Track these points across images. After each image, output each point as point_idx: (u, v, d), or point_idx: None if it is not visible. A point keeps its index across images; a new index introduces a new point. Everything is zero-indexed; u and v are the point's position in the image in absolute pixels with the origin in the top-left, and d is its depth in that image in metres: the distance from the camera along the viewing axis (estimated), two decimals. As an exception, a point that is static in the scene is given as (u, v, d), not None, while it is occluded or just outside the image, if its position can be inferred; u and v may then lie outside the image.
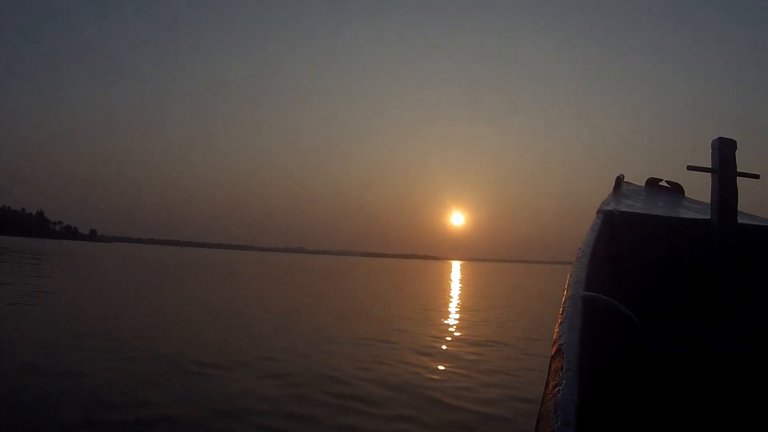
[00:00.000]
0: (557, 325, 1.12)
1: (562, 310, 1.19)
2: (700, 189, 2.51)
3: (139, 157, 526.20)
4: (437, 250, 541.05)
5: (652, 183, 2.97)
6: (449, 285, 23.78)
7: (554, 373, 0.91)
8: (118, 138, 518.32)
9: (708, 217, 2.17)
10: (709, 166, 2.15)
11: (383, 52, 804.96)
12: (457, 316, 10.55)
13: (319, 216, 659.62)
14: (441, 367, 5.39)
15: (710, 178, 2.16)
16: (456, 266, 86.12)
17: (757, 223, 2.25)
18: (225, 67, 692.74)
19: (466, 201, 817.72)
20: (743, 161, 2.15)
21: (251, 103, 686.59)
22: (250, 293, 13.93)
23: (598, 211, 2.22)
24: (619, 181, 2.77)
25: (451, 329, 8.37)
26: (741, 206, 2.14)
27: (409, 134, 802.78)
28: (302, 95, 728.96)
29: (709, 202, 2.18)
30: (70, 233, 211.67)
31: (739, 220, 2.12)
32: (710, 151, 2.15)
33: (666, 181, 2.97)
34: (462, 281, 28.38)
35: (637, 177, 3.01)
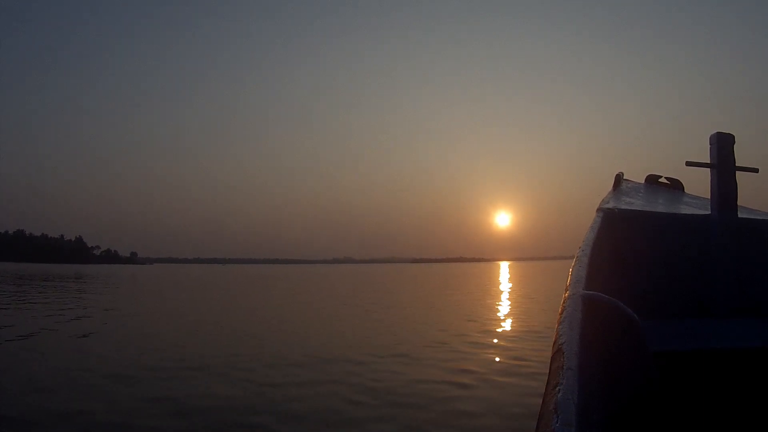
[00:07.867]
0: (557, 325, 1.10)
1: (563, 310, 1.16)
2: (699, 185, 2.50)
3: (175, 177, 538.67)
4: (484, 252, 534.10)
5: (652, 180, 2.97)
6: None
7: (554, 373, 0.88)
8: (155, 159, 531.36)
9: (708, 212, 2.18)
10: (708, 161, 2.17)
11: (423, 64, 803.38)
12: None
13: (363, 225, 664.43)
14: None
15: (709, 174, 2.17)
16: (504, 267, 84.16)
17: (757, 217, 2.23)
18: (276, 85, 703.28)
19: (511, 200, 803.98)
20: (742, 155, 2.17)
21: (294, 117, 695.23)
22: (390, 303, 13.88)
23: (598, 210, 2.22)
24: (619, 178, 2.76)
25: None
26: (741, 200, 2.15)
27: (450, 138, 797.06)
28: (347, 107, 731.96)
29: (709, 198, 2.20)
30: (111, 257, 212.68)
31: (740, 215, 2.13)
32: (709, 146, 2.17)
33: (665, 177, 2.97)
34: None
35: (636, 174, 3.01)
